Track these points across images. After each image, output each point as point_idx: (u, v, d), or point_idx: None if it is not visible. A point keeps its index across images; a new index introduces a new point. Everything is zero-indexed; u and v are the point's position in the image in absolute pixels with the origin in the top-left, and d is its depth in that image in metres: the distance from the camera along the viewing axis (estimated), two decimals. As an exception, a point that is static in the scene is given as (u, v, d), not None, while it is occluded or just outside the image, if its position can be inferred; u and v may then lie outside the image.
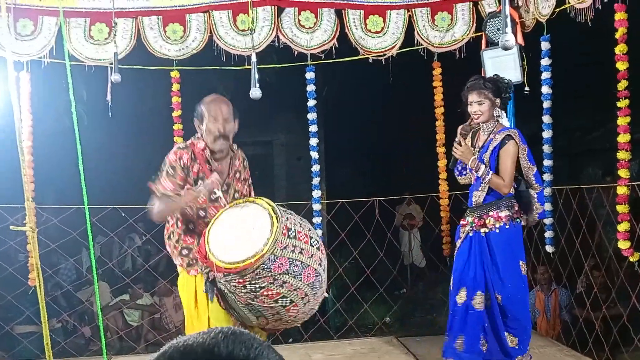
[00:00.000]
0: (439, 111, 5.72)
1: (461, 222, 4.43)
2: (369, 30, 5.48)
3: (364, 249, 6.41)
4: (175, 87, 5.52)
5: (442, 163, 5.73)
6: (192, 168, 3.58)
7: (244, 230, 3.24)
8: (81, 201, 5.00)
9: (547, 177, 5.25)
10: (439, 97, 5.72)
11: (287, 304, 3.19)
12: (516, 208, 4.22)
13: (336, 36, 5.42)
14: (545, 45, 5.10)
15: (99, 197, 4.80)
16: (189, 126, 5.67)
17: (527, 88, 5.16)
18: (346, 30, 5.44)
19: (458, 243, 4.39)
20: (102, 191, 5.41)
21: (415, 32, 5.51)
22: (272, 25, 5.34)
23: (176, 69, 5.45)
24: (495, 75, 4.39)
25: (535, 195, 4.31)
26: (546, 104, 5.16)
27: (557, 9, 4.79)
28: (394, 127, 12.12)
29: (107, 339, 6.43)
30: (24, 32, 5.13)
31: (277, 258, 3.09)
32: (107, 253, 7.56)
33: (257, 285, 3.11)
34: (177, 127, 5.57)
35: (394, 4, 5.50)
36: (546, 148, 5.24)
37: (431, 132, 5.81)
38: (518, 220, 4.24)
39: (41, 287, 2.91)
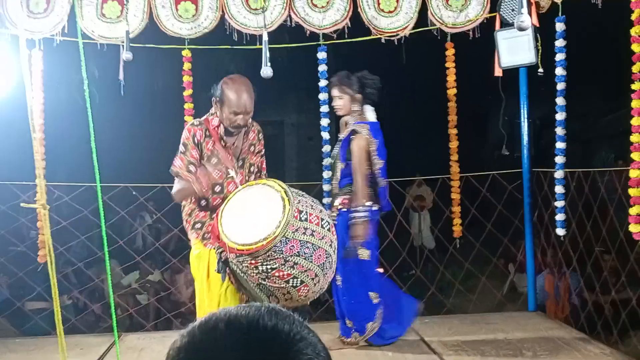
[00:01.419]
0: (451, 92, 5.69)
1: None
2: (382, 10, 5.44)
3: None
4: (187, 66, 5.51)
5: (453, 145, 5.70)
6: (206, 145, 3.62)
7: (257, 212, 3.30)
8: (92, 179, 5.03)
9: (559, 159, 5.23)
10: (451, 78, 5.68)
11: (298, 285, 3.26)
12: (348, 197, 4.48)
13: (349, 16, 5.39)
14: (560, 27, 5.05)
15: (109, 175, 4.83)
16: (199, 105, 5.69)
17: (540, 70, 5.12)
18: (359, 9, 5.40)
19: None
20: (113, 169, 5.43)
21: (429, 12, 5.46)
22: (285, 4, 5.31)
23: (188, 48, 5.44)
24: (365, 71, 4.59)
25: (379, 189, 4.57)
26: (560, 86, 5.13)
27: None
28: (405, 108, 12.07)
29: (117, 316, 6.49)
30: (36, 10, 5.13)
31: (288, 240, 3.15)
32: (117, 231, 7.61)
33: (269, 267, 3.18)
34: (188, 106, 5.57)
35: (406, -16, 5.45)
36: (559, 130, 5.21)
37: (443, 113, 5.79)
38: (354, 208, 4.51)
39: (53, 265, 2.93)
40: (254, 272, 3.21)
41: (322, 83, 5.58)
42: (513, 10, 5.11)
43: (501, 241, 6.38)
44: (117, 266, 7.14)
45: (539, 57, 5.08)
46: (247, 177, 3.77)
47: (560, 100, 5.16)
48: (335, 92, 4.41)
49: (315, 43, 5.52)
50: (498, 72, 5.38)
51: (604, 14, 4.83)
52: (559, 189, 5.24)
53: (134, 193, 6.09)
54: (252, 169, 3.81)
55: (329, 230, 3.35)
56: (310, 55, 5.66)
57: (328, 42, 5.51)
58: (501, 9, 5.27)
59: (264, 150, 3.93)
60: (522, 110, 5.71)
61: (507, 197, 6.06)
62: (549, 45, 5.09)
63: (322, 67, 5.56)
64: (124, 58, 4.83)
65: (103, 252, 6.71)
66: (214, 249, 3.45)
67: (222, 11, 5.32)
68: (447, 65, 5.69)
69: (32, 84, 4.50)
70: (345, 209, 4.57)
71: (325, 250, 3.31)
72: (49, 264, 2.90)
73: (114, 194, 5.78)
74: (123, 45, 5.03)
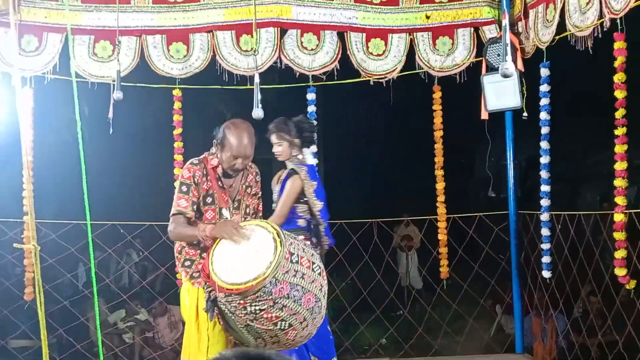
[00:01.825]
0: (438, 134, 5.76)
1: None
2: (371, 53, 5.54)
3: (362, 270, 6.42)
4: (177, 105, 5.56)
5: (440, 186, 5.75)
6: (203, 185, 3.64)
7: (248, 252, 3.28)
8: (79, 216, 5.02)
9: (545, 202, 5.28)
10: (438, 120, 5.76)
11: (286, 328, 3.23)
12: (300, 238, 4.27)
13: (338, 58, 5.49)
14: (544, 72, 5.15)
15: (96, 213, 4.79)
16: (189, 144, 5.73)
17: (525, 113, 5.21)
18: (348, 52, 5.50)
19: None
20: (101, 207, 5.42)
21: (417, 56, 5.57)
22: (275, 47, 5.40)
23: (178, 88, 5.50)
24: (302, 116, 4.59)
25: (322, 230, 4.52)
26: (544, 130, 5.21)
27: (557, 37, 4.85)
28: (393, 149, 12.16)
29: (103, 355, 6.41)
30: (28, 48, 5.19)
31: (278, 282, 3.14)
32: (104, 269, 7.55)
33: (257, 308, 3.15)
34: (178, 144, 5.61)
35: (396, 28, 5.57)
36: (544, 174, 5.28)
37: (430, 154, 5.85)
38: None
39: (42, 306, 2.92)
40: (242, 313, 3.18)
41: (312, 123, 5.62)
42: (498, 55, 5.22)
43: (488, 282, 6.39)
44: (103, 304, 7.07)
45: (524, 100, 5.17)
46: (242, 219, 3.75)
47: (544, 144, 5.23)
48: (273, 138, 4.41)
49: (304, 84, 5.60)
50: (484, 115, 5.46)
51: (588, 60, 4.93)
52: (545, 232, 5.28)
53: (121, 231, 6.07)
54: (247, 210, 3.81)
55: (319, 274, 3.34)
56: (299, 95, 5.73)
57: (317, 83, 5.59)
58: (487, 54, 5.38)
59: (260, 192, 3.95)
60: (508, 153, 5.78)
61: (494, 238, 6.09)
62: (534, 89, 5.18)
63: (311, 108, 5.63)
64: (115, 97, 4.86)
65: (88, 290, 6.66)
66: (204, 287, 3.41)
67: (213, 52, 5.39)
68: (434, 107, 5.77)
69: (23, 121, 4.51)
70: None
71: (315, 295, 3.28)
72: (38, 304, 2.88)
73: (101, 231, 5.77)
74: (114, 84, 5.07)
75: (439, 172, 5.77)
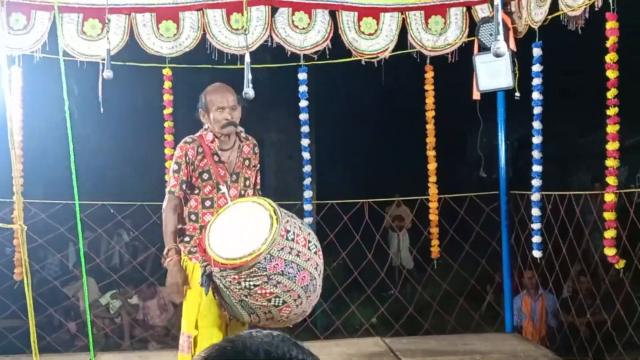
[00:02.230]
0: (430, 114, 5.75)
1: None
2: (363, 32, 5.50)
3: (353, 250, 6.44)
4: (167, 84, 5.51)
5: (431, 166, 5.75)
6: (199, 162, 3.67)
7: (244, 228, 3.33)
8: (69, 196, 4.99)
9: (536, 182, 5.29)
10: (430, 100, 5.74)
11: (280, 304, 3.27)
12: None
13: (330, 37, 5.44)
14: (536, 52, 5.13)
15: (87, 193, 4.80)
16: (179, 123, 5.69)
17: (517, 93, 5.20)
18: (340, 31, 5.45)
19: None
20: (91, 186, 5.42)
21: (409, 35, 5.54)
22: (266, 25, 5.35)
23: (168, 67, 5.45)
24: None
25: None
26: (536, 110, 5.20)
27: (550, 16, 4.83)
28: (385, 129, 12.16)
29: (92, 335, 6.42)
30: (16, 27, 5.12)
31: (273, 258, 3.18)
32: (94, 249, 7.54)
33: (252, 283, 3.20)
34: (168, 124, 5.56)
35: (388, 7, 5.52)
36: (536, 154, 5.28)
37: (422, 135, 5.84)
38: None
39: (29, 286, 2.91)
40: (236, 288, 3.22)
41: (303, 103, 5.61)
42: (491, 35, 5.20)
43: (479, 262, 6.42)
44: (94, 284, 7.07)
45: (516, 80, 5.16)
46: (242, 192, 3.78)
47: (536, 124, 5.23)
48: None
49: (296, 64, 5.56)
50: (476, 96, 5.45)
51: (580, 40, 4.92)
52: (535, 212, 5.30)
53: (111, 211, 6.06)
54: (247, 182, 3.83)
55: (315, 253, 3.37)
56: (291, 75, 5.70)
57: (309, 62, 5.55)
58: (479, 34, 5.35)
59: (259, 165, 3.97)
60: (499, 133, 5.77)
61: (485, 218, 6.11)
62: (526, 69, 5.17)
63: (303, 88, 5.59)
64: (105, 76, 4.80)
65: (78, 270, 6.65)
66: (200, 262, 3.45)
67: (204, 30, 5.34)
68: (426, 87, 5.75)
69: (11, 100, 4.47)
70: None
71: (310, 273, 3.32)
72: (25, 284, 2.88)
73: (91, 211, 5.75)
74: (103, 63, 5.02)
75: (431, 153, 5.76)
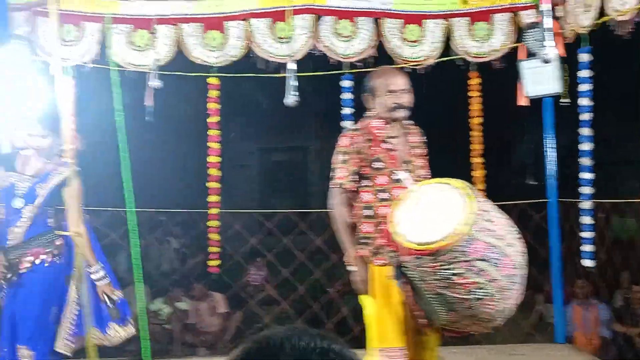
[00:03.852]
0: (475, 121, 5.64)
1: None
2: (406, 39, 5.43)
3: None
4: (213, 93, 5.53)
5: (478, 173, 5.63)
6: (366, 150, 3.38)
7: (435, 210, 2.96)
8: (117, 204, 5.04)
9: (586, 190, 5.12)
10: (475, 107, 5.63)
11: (483, 297, 2.80)
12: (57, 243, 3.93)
13: (374, 45, 5.39)
14: (584, 57, 4.99)
15: (136, 200, 4.84)
16: (225, 132, 5.71)
17: (566, 99, 5.07)
18: (383, 39, 5.41)
19: None
20: (139, 194, 5.45)
21: (453, 42, 5.46)
22: (310, 34, 5.34)
23: (214, 76, 5.47)
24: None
25: None
26: (585, 116, 5.05)
27: (598, 21, 4.70)
28: (428, 136, 11.98)
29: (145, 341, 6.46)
30: (67, 38, 5.20)
31: (473, 240, 2.77)
32: (144, 256, 7.60)
33: (451, 272, 2.78)
34: (213, 132, 5.59)
35: (432, 14, 5.45)
36: (585, 161, 5.11)
37: (465, 142, 5.73)
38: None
39: (86, 291, 2.96)
40: (432, 279, 2.83)
41: (346, 111, 5.57)
42: (538, 40, 5.08)
43: (528, 271, 6.26)
44: (144, 291, 7.13)
45: (565, 86, 5.03)
46: (414, 180, 3.39)
47: (586, 131, 5.08)
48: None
49: (339, 72, 5.53)
50: (523, 102, 5.34)
51: (628, 45, 4.78)
52: (586, 220, 5.12)
53: (160, 218, 6.10)
54: (419, 171, 3.50)
55: (518, 238, 2.95)
56: (333, 82, 5.67)
57: (352, 70, 5.51)
58: (526, 40, 5.23)
59: (426, 153, 3.67)
60: (546, 139, 5.64)
61: (533, 226, 5.96)
62: (571, 74, 5.04)
63: (347, 95, 5.55)
64: (153, 85, 4.86)
65: (129, 276, 6.72)
66: (391, 262, 3.14)
67: (248, 39, 5.35)
68: (470, 94, 5.65)
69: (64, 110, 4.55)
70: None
71: (513, 261, 2.86)
72: (83, 290, 2.92)
73: (141, 219, 5.79)
74: (151, 73, 5.07)
75: (477, 160, 5.64)
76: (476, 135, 5.65)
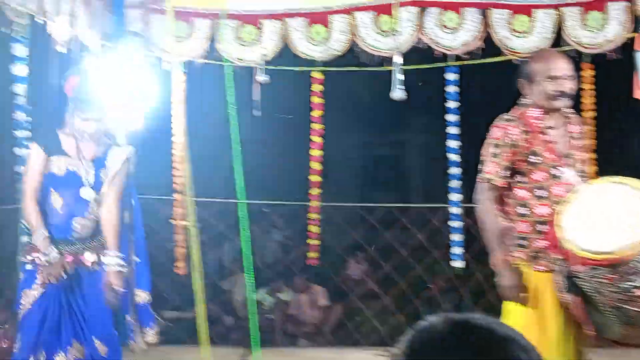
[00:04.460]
0: (588, 115, 5.39)
1: None
2: (515, 30, 5.26)
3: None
4: (317, 87, 5.57)
5: (589, 170, 5.38)
6: (523, 142, 3.10)
7: (611, 214, 2.71)
8: (223, 195, 5.17)
9: None
10: (588, 100, 5.38)
11: None
12: None
13: (480, 36, 5.27)
14: None
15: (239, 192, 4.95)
16: (329, 126, 5.74)
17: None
18: (490, 30, 5.27)
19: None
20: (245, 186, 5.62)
21: (564, 33, 5.24)
22: (415, 26, 5.27)
23: (318, 70, 5.51)
24: None
25: None
26: None
27: None
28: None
29: (247, 329, 6.62)
30: (178, 34, 5.38)
31: None
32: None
33: (632, 284, 2.57)
34: (316, 126, 5.64)
35: (542, 3, 5.26)
36: None
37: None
38: None
39: (200, 279, 3.06)
40: (608, 291, 2.61)
41: (451, 104, 5.47)
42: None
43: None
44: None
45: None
46: (575, 176, 3.14)
47: None
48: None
49: (444, 64, 5.43)
50: (639, 95, 5.07)
51: None
52: None
53: (264, 210, 6.22)
54: (580, 166, 3.20)
55: None
56: (436, 75, 5.57)
57: (457, 62, 5.40)
58: (644, 29, 4.96)
59: (587, 145, 3.37)
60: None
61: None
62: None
63: (452, 88, 5.45)
64: (261, 80, 4.95)
65: (234, 266, 6.89)
66: (556, 269, 2.88)
67: (352, 33, 5.35)
68: (583, 86, 5.40)
69: (177, 104, 4.73)
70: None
71: None
72: (197, 279, 3.03)
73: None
74: (258, 68, 5.18)
75: (589, 156, 5.40)
76: (589, 129, 5.40)
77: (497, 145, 3.10)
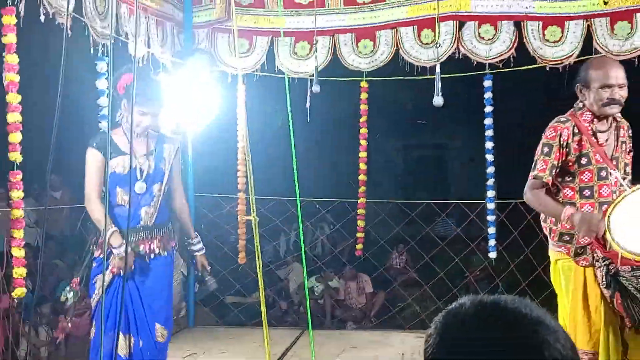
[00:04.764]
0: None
1: None
2: (547, 40, 5.25)
3: (536, 248, 6.16)
4: (364, 95, 5.70)
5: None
6: (574, 144, 3.02)
7: None
8: (281, 193, 5.29)
9: None
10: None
11: None
12: None
13: (514, 46, 5.27)
14: None
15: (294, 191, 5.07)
16: (374, 131, 5.84)
17: None
18: (524, 40, 5.27)
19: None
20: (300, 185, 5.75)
21: (594, 41, 5.19)
22: (454, 38, 5.31)
23: (365, 80, 5.62)
24: None
25: None
26: None
27: None
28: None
29: (299, 313, 6.77)
30: (240, 50, 5.55)
31: None
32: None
33: None
34: (363, 131, 5.77)
35: (573, 15, 5.23)
36: None
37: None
38: None
39: (260, 268, 3.17)
40: None
41: (488, 109, 5.50)
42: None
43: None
44: (301, 269, 7.43)
45: None
46: (622, 178, 3.05)
47: None
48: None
49: (481, 72, 5.45)
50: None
51: None
52: None
53: (316, 206, 6.35)
54: (627, 169, 3.12)
55: None
56: (474, 83, 5.60)
57: (494, 71, 5.42)
58: (670, 37, 4.88)
59: (633, 150, 3.24)
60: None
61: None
62: None
63: (488, 95, 5.48)
64: (314, 90, 5.09)
65: (289, 256, 7.03)
66: (593, 264, 2.85)
67: (397, 46, 5.42)
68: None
69: (241, 113, 4.87)
70: None
71: None
72: (258, 268, 3.14)
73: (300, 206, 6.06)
74: (311, 79, 5.30)
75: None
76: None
77: (549, 145, 3.04)
